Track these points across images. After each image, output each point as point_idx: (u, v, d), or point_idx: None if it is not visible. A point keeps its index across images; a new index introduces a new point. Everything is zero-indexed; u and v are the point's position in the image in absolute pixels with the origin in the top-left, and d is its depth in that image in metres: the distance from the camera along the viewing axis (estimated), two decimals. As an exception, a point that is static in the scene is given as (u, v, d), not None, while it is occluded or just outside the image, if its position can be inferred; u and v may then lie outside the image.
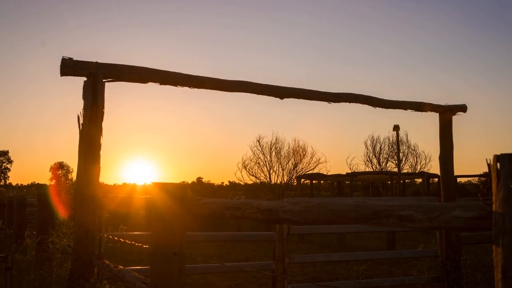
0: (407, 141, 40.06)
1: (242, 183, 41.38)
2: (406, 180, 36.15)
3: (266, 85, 7.71)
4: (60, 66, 6.21)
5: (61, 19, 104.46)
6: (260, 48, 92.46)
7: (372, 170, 38.90)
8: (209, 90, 7.28)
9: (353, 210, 2.23)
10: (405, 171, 37.05)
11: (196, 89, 7.14)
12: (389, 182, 30.54)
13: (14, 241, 10.94)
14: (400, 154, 35.01)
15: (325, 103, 8.32)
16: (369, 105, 8.67)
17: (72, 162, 74.56)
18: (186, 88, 7.05)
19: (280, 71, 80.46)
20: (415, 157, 39.99)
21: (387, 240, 14.58)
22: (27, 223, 11.62)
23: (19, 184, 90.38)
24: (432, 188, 31.87)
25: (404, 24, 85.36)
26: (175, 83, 6.95)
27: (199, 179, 75.06)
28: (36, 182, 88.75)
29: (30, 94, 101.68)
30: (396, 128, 26.61)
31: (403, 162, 38.80)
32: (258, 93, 7.66)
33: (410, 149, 40.01)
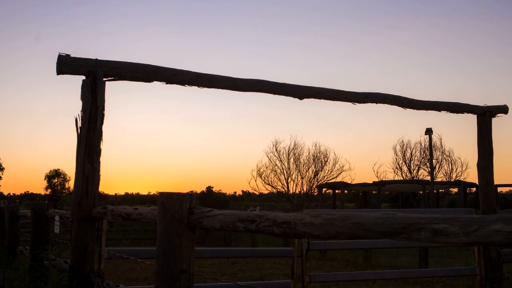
0: (441, 146, 39.72)
1: (257, 193, 41.29)
2: (440, 190, 35.92)
3: (284, 84, 7.71)
4: (57, 63, 6.26)
5: (57, 12, 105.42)
6: (276, 44, 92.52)
7: (402, 178, 38.64)
8: (220, 90, 7.30)
9: (380, 223, 2.22)
10: (439, 179, 36.75)
11: (206, 89, 7.16)
12: (421, 192, 30.36)
13: (6, 256, 11.02)
14: (433, 160, 34.73)
15: (350, 104, 8.30)
16: (398, 106, 8.64)
17: (70, 169, 75.10)
18: (195, 88, 7.08)
19: (299, 68, 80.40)
20: (450, 164, 39.63)
21: (419, 256, 14.47)
22: (19, 237, 11.70)
23: (11, 194, 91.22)
24: (469, 199, 31.65)
25: (437, 17, 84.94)
26: (183, 82, 6.98)
27: (209, 188, 75.16)
28: (29, 192, 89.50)
29: (23, 95, 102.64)
30: (429, 131, 26.45)
31: (437, 169, 38.46)
32: (274, 93, 7.67)
33: (444, 155, 39.66)
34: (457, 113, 9.19)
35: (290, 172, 37.52)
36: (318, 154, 37.98)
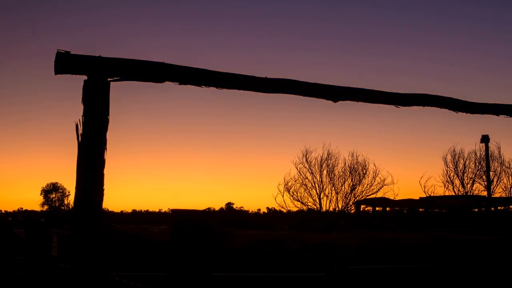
0: (500, 156, 39.30)
1: (285, 210, 41.33)
2: (499, 207, 35.55)
3: (315, 84, 7.69)
4: (55, 61, 6.31)
5: (55, 4, 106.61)
6: (306, 39, 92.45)
7: (453, 193, 38.36)
8: (241, 91, 7.29)
9: (428, 246, 2.20)
10: (497, 195, 36.43)
11: (225, 90, 7.16)
12: (476, 210, 30.11)
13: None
14: (491, 173, 34.33)
15: (392, 107, 8.25)
16: (449, 109, 8.57)
17: (69, 183, 75.66)
18: (212, 89, 7.09)
19: (333, 67, 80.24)
20: (510, 177, 39.26)
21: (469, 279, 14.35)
22: (13, 260, 11.79)
23: (3, 211, 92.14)
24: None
25: (485, 6, 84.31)
26: (198, 83, 6.99)
27: (229, 205, 75.29)
28: (23, 209, 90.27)
29: (16, 97, 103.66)
30: (485, 139, 26.28)
31: (495, 183, 38.10)
32: (305, 95, 7.65)
33: (503, 167, 39.28)
34: (519, 117, 9.09)
35: (322, 186, 37.45)
36: (356, 166, 37.85)
